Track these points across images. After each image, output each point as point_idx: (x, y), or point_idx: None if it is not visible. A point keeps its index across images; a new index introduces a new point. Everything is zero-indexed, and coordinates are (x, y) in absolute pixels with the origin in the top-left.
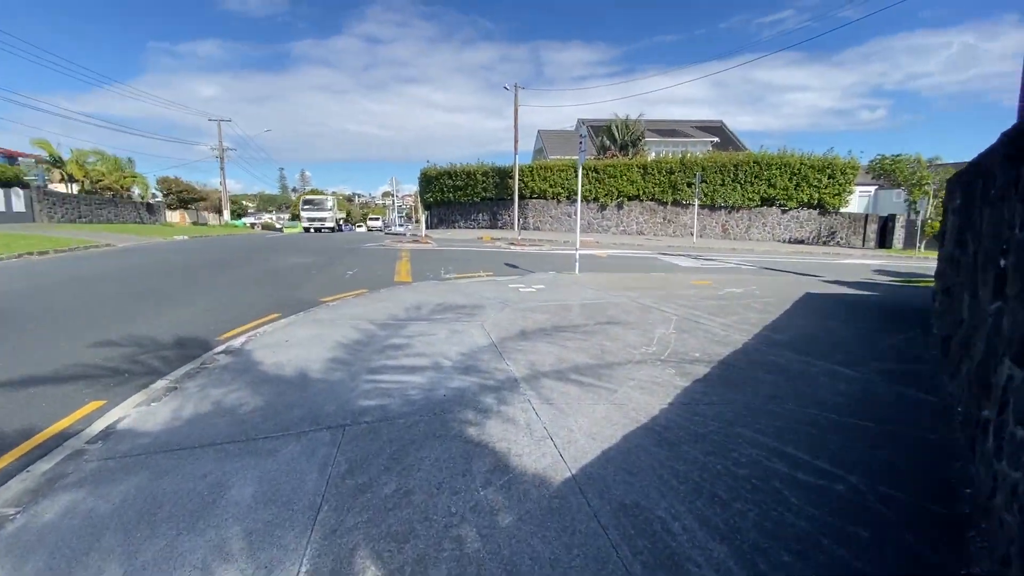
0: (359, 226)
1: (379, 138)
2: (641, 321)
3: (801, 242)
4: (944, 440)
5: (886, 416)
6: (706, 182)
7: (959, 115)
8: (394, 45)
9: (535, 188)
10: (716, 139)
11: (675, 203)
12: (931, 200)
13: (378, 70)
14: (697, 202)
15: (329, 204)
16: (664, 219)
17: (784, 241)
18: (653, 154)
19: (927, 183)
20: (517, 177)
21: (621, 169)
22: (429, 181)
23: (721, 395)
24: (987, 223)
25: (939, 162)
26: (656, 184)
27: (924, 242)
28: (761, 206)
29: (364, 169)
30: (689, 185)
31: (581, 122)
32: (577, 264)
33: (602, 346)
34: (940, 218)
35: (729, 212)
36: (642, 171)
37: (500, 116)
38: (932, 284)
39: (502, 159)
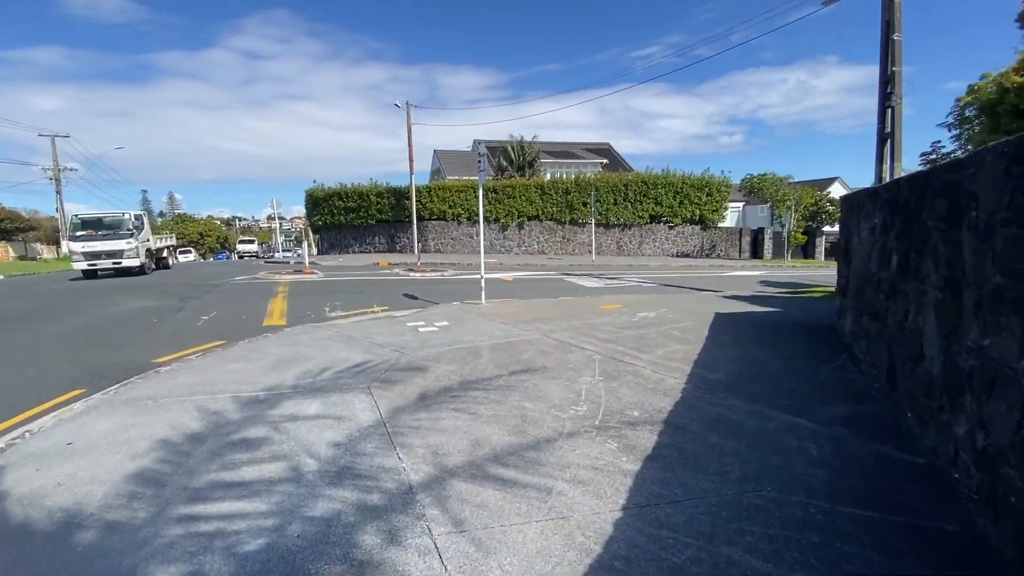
0: (243, 254)
1: (262, 157)
2: (562, 365)
3: (687, 255)
4: (971, 531)
5: (884, 498)
6: (600, 201)
7: (797, 139)
8: (276, 61)
9: (434, 209)
10: (605, 160)
11: (572, 222)
12: (793, 215)
13: (259, 86)
14: (593, 220)
15: (129, 224)
16: (563, 238)
17: (673, 255)
18: (548, 175)
19: (788, 199)
20: (414, 198)
21: (520, 190)
22: (317, 203)
23: (684, 483)
24: (991, 255)
25: (791, 180)
26: (554, 204)
27: (790, 252)
28: (650, 223)
29: (246, 190)
30: (584, 204)
31: (478, 143)
32: (483, 292)
33: (522, 411)
34: (801, 231)
35: (622, 229)
36: (540, 191)
37: (393, 136)
38: (817, 294)
39: (398, 179)
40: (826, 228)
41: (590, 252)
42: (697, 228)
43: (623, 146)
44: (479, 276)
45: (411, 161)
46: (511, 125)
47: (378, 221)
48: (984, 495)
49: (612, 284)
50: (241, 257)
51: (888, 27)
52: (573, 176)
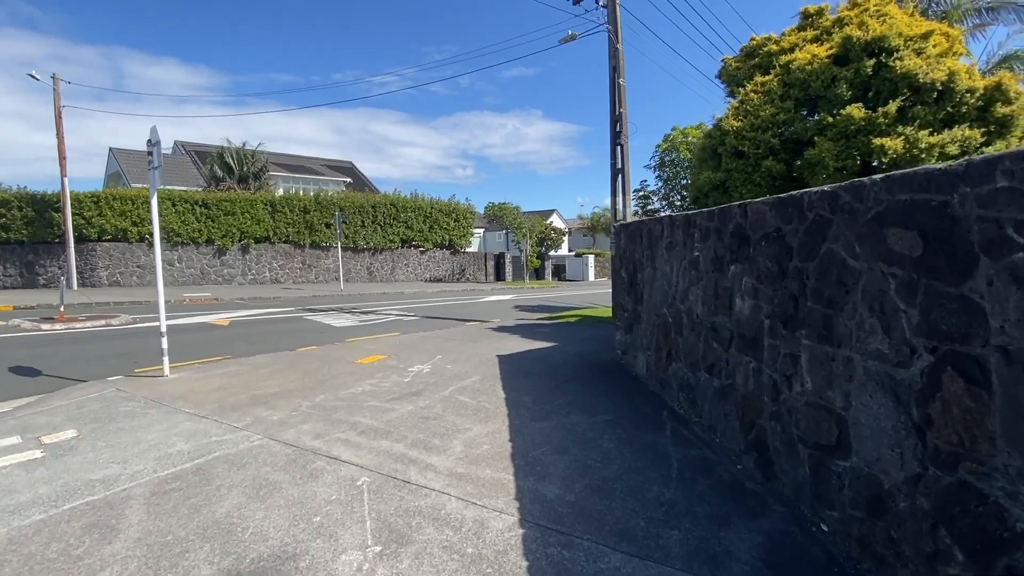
0: None
1: None
2: (298, 519)
3: (440, 280)
4: None
5: None
6: (347, 223)
7: (517, 176)
8: None
9: (108, 226)
10: (349, 180)
11: (315, 245)
12: (529, 240)
13: None
14: (340, 244)
15: None
16: (304, 263)
17: (426, 280)
18: (281, 190)
19: (524, 227)
20: (69, 208)
21: (243, 204)
22: None
23: None
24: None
25: (523, 210)
26: (290, 224)
27: (528, 274)
28: (402, 247)
29: None
30: (328, 226)
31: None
32: (165, 357)
33: None
34: (536, 256)
35: (373, 254)
36: (270, 208)
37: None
38: (572, 319)
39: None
40: (552, 253)
41: (337, 280)
42: (448, 253)
43: (367, 168)
44: (177, 321)
45: (62, 158)
46: (232, 131)
47: (4, 241)
48: None
49: (369, 320)
50: None
51: (615, 72)
52: (312, 193)
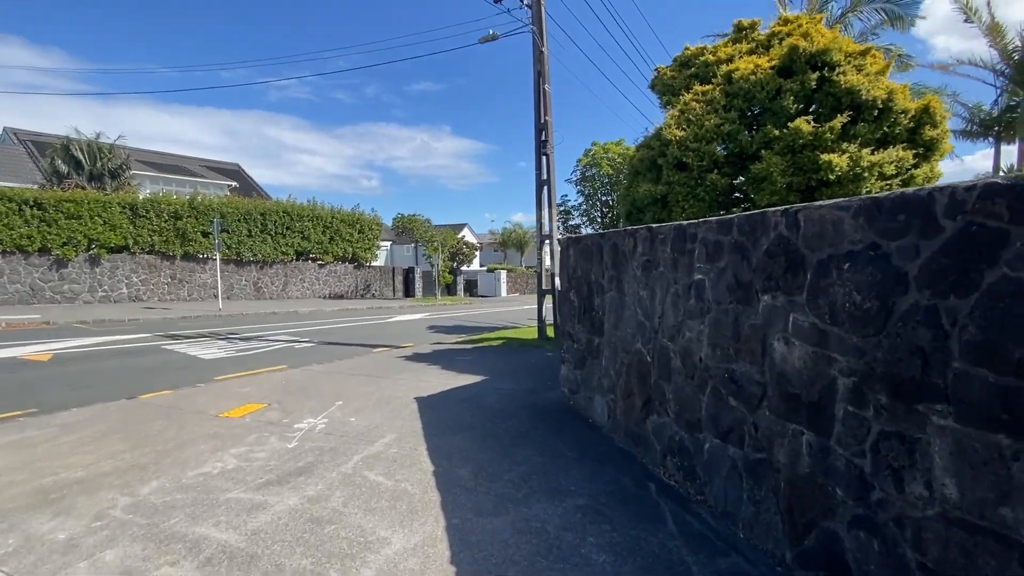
0: None
1: None
2: None
3: (342, 296)
4: None
5: None
6: (228, 231)
7: (426, 189)
8: None
9: None
10: (235, 183)
11: (189, 257)
12: (441, 255)
13: None
14: (219, 256)
15: None
16: (174, 278)
17: (325, 297)
18: (148, 191)
19: (436, 240)
20: None
21: (93, 207)
22: None
23: None
24: None
25: (433, 223)
26: (155, 231)
27: (440, 289)
28: (297, 260)
29: None
30: (206, 235)
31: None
32: None
33: None
34: (448, 271)
35: (262, 267)
36: (130, 212)
37: None
38: (496, 343)
39: None
40: (463, 268)
41: (216, 297)
42: (351, 267)
43: (261, 176)
44: None
45: None
46: (92, 127)
47: None
48: None
49: (250, 350)
50: None
51: (540, 78)
52: (187, 197)
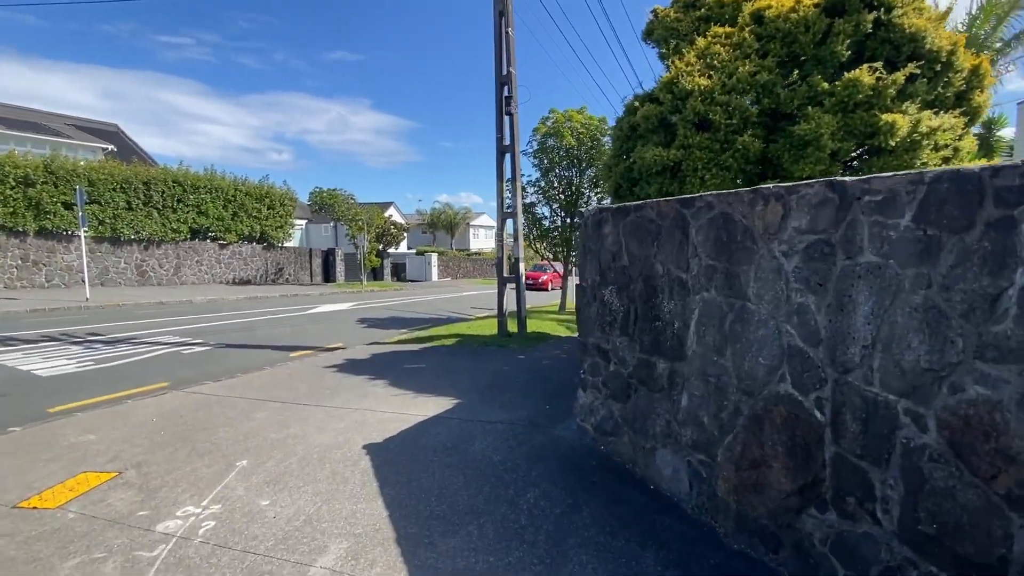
0: None
1: None
2: None
3: (249, 282)
4: None
5: None
6: (100, 203)
7: (344, 165)
8: None
9: None
10: (112, 147)
11: (45, 234)
12: (367, 235)
13: None
14: (83, 232)
15: None
16: (26, 260)
17: (229, 282)
18: None
19: (361, 218)
20: None
21: None
22: None
23: None
24: None
25: (355, 200)
26: None
27: (366, 274)
28: (193, 239)
29: None
30: (69, 207)
31: None
32: None
33: None
34: (375, 253)
35: (147, 248)
36: None
37: None
38: (449, 342)
39: None
40: (391, 250)
41: (83, 283)
42: (259, 248)
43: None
44: None
45: None
46: None
47: None
48: None
49: (114, 359)
50: None
51: (502, 18)
52: (42, 159)
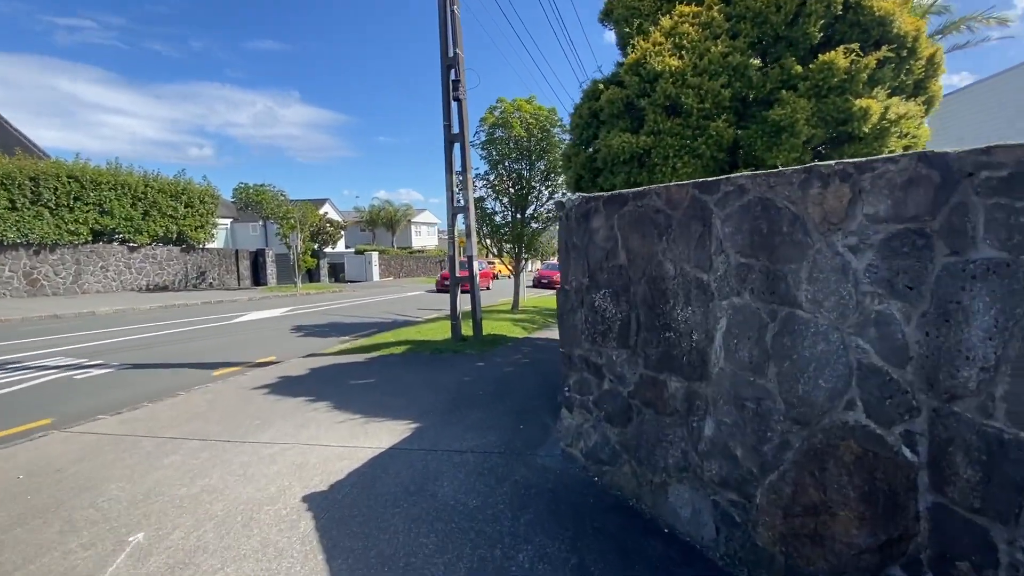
0: None
1: None
2: None
3: (165, 288)
4: None
5: None
6: None
7: (272, 161)
8: None
9: None
10: None
11: None
12: (300, 234)
13: None
14: None
15: None
16: None
17: (141, 289)
18: None
19: (293, 216)
20: None
21: None
22: None
23: None
24: None
25: (286, 196)
26: None
27: (300, 277)
28: (95, 242)
29: None
30: None
31: None
32: None
33: None
34: (310, 253)
35: (37, 252)
36: None
37: None
38: (398, 350)
39: None
40: (327, 250)
41: None
42: (176, 250)
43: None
44: None
45: None
46: None
47: None
48: None
49: None
50: None
51: None
52: None
